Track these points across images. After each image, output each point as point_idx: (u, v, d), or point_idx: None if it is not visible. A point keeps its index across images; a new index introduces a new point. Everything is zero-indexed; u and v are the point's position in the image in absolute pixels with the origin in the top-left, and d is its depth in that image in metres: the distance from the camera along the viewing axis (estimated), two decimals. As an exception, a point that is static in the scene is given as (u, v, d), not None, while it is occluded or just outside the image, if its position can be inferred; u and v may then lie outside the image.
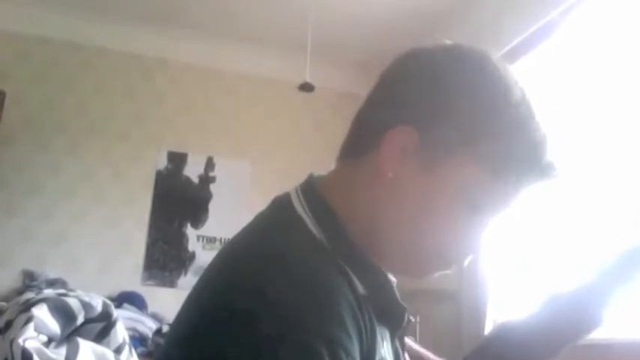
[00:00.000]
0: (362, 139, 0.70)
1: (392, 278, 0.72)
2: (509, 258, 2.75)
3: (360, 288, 0.63)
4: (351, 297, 0.58)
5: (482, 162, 0.64)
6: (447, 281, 2.95)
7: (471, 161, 0.64)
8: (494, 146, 0.64)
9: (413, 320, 0.71)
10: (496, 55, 0.70)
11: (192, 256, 3.61)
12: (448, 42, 0.71)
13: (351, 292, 0.59)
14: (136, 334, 2.91)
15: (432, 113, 0.65)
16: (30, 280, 3.19)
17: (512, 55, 2.72)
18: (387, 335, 0.67)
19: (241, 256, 0.61)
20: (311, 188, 0.69)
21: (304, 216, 0.66)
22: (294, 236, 0.63)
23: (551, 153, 0.67)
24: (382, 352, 0.63)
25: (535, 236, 2.59)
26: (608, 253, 0.62)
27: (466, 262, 0.69)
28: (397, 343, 0.71)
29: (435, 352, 0.90)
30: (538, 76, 2.66)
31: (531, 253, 2.59)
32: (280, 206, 0.69)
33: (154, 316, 3.16)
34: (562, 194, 2.46)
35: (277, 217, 0.67)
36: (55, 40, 3.62)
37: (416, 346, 0.86)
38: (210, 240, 3.65)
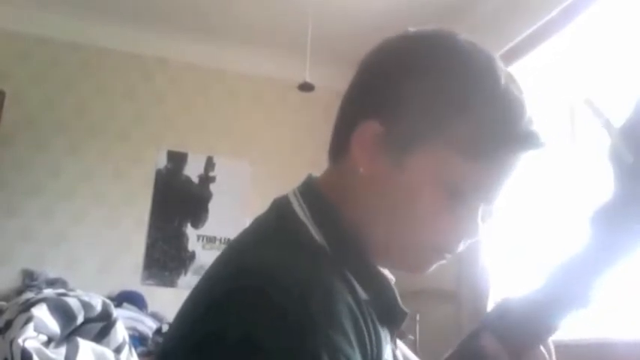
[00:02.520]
0: (338, 139, 0.70)
1: (390, 276, 0.72)
2: (508, 257, 2.75)
3: (362, 293, 0.62)
4: (353, 304, 0.57)
5: (453, 145, 0.61)
6: (447, 281, 2.97)
7: (441, 147, 0.61)
8: (461, 125, 0.61)
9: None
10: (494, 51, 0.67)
11: (192, 255, 3.61)
12: (412, 30, 0.69)
13: (352, 299, 0.58)
14: (136, 334, 2.91)
15: (392, 104, 0.64)
16: (30, 280, 3.19)
17: (514, 55, 2.72)
18: (388, 337, 0.67)
19: (241, 264, 0.59)
20: (309, 190, 0.68)
21: (306, 221, 0.65)
22: (297, 243, 0.62)
23: (529, 121, 0.62)
24: (386, 355, 0.62)
25: (535, 234, 2.59)
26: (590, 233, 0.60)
27: (461, 248, 0.66)
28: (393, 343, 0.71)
29: (435, 352, 0.90)
30: (539, 75, 2.66)
31: (532, 251, 2.59)
32: (281, 211, 0.67)
33: (154, 316, 3.16)
34: (563, 192, 2.46)
35: (279, 222, 0.66)
36: (55, 40, 3.62)
37: (407, 352, 0.86)
38: (210, 239, 3.65)
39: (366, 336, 0.57)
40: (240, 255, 0.62)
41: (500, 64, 0.65)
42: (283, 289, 0.53)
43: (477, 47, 0.65)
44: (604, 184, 0.60)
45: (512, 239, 2.75)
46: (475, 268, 2.80)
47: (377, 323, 0.61)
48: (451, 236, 0.65)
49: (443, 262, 0.67)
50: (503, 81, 0.62)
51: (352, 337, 0.54)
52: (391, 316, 0.66)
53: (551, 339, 0.65)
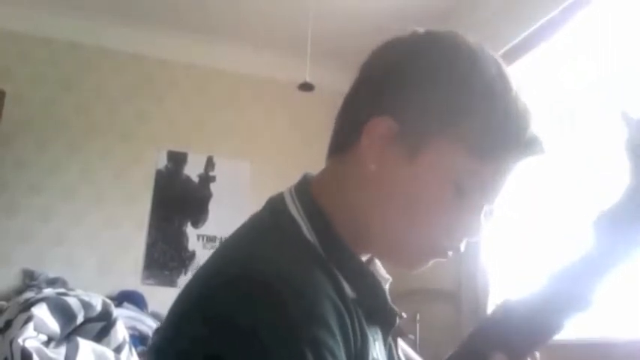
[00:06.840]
0: (344, 135, 0.70)
1: (386, 276, 0.72)
2: (508, 257, 2.75)
3: (350, 291, 0.63)
4: (337, 299, 0.58)
5: (463, 143, 0.63)
6: (447, 281, 2.97)
7: (451, 145, 0.63)
8: (473, 125, 0.63)
9: (405, 316, 0.71)
10: (491, 50, 0.69)
11: (192, 255, 3.61)
12: (421, 30, 0.70)
13: (338, 296, 0.59)
14: (136, 333, 2.91)
15: (406, 101, 0.65)
16: (30, 280, 3.19)
17: (513, 55, 2.72)
18: (380, 336, 0.67)
19: (232, 259, 0.61)
20: (304, 189, 0.69)
21: (299, 219, 0.66)
22: (288, 241, 0.64)
23: (534, 127, 0.65)
24: (374, 353, 0.63)
25: (535, 234, 2.59)
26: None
27: (462, 247, 0.68)
28: (391, 342, 0.72)
29: (435, 352, 0.90)
30: (538, 75, 2.66)
31: (532, 251, 2.59)
32: (275, 209, 0.68)
33: (154, 315, 3.16)
34: (563, 192, 2.46)
35: (272, 220, 0.67)
36: (55, 40, 3.62)
37: (409, 351, 0.86)
38: (211, 239, 3.65)
39: (350, 332, 0.58)
40: (232, 251, 0.64)
41: (508, 69, 0.67)
42: (270, 284, 0.55)
43: (487, 51, 0.67)
44: (603, 185, 0.60)
45: (513, 239, 2.75)
46: (475, 268, 2.81)
47: (363, 321, 0.62)
48: (455, 234, 0.66)
49: (443, 260, 0.68)
50: (514, 87, 0.65)
51: (336, 330, 0.55)
52: (381, 315, 0.67)
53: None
